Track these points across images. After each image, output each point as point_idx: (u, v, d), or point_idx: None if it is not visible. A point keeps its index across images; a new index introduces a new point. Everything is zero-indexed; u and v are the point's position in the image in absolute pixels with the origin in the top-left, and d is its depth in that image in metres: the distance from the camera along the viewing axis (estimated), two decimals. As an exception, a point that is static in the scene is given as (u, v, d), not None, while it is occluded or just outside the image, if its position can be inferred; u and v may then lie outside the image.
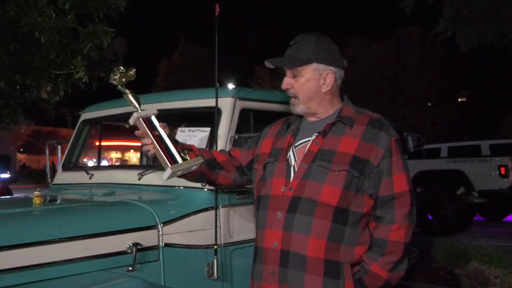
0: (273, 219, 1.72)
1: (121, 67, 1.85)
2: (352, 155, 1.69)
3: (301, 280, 1.65)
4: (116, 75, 1.83)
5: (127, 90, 1.86)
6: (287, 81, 1.83)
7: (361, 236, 1.71)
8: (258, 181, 1.86)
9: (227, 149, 2.49)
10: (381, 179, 1.69)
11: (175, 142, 1.88)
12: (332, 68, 1.80)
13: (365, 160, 1.69)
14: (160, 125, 1.86)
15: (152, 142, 1.81)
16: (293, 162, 1.78)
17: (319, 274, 1.65)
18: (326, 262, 1.65)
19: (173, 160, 1.81)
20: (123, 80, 1.84)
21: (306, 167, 1.72)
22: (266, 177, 1.82)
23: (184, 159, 1.83)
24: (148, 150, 1.83)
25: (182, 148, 1.89)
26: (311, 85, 1.79)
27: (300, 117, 1.89)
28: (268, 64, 1.84)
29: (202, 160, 1.91)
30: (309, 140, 1.79)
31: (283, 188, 1.74)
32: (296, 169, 1.75)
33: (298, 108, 1.83)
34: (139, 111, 1.84)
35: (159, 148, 1.80)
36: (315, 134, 1.79)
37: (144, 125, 1.82)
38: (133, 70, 1.86)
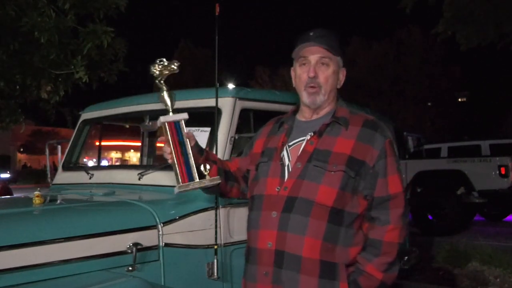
0: (268, 219, 1.70)
1: (163, 59, 1.69)
2: (348, 155, 1.68)
3: (296, 280, 1.63)
4: (158, 67, 1.68)
5: (164, 87, 1.74)
6: (313, 70, 1.75)
7: (356, 237, 1.71)
8: (251, 181, 1.85)
9: (227, 149, 2.49)
10: (376, 180, 1.69)
11: (200, 153, 1.82)
12: (343, 67, 1.83)
13: (361, 160, 1.68)
14: (186, 134, 1.76)
15: (171, 152, 1.72)
16: (287, 162, 1.76)
17: (314, 275, 1.63)
18: (321, 262, 1.64)
19: (188, 176, 1.72)
20: (165, 73, 1.71)
21: (301, 167, 1.71)
22: (259, 177, 1.80)
23: (202, 175, 1.74)
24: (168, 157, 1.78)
25: (206, 159, 1.82)
26: (334, 78, 1.79)
27: (293, 115, 1.87)
28: (304, 44, 1.74)
29: (219, 182, 1.81)
30: (303, 140, 1.77)
31: (277, 188, 1.72)
32: (290, 169, 1.73)
33: (318, 98, 1.77)
34: (169, 114, 1.72)
35: (176, 161, 1.72)
36: (310, 134, 1.77)
37: (169, 132, 1.72)
38: (176, 63, 1.71)
